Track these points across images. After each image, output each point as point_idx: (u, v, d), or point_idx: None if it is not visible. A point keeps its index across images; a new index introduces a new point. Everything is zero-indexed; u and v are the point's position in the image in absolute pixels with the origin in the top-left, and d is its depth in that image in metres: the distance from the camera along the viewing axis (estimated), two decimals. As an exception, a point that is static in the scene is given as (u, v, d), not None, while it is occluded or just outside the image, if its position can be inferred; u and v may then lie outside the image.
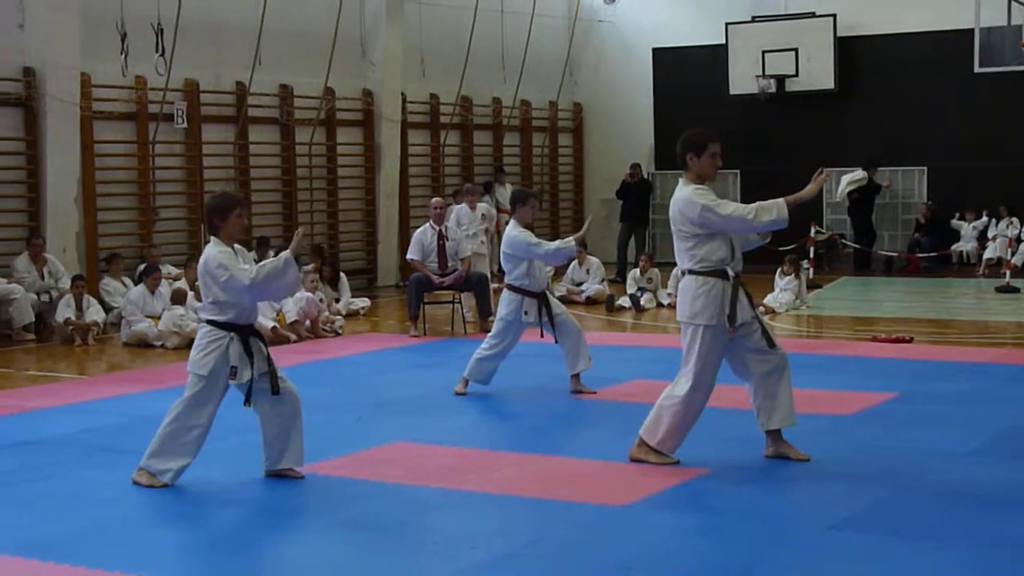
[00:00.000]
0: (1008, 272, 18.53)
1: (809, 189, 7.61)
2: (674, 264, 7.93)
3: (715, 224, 7.55)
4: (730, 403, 9.54)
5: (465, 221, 15.87)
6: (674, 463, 7.77)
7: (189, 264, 15.88)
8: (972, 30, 20.66)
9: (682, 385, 7.71)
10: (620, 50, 24.86)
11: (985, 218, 21.28)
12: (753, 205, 7.53)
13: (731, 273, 7.63)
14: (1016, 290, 17.96)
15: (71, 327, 14.22)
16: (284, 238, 18.32)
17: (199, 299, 14.21)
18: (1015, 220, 21.20)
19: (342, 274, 17.15)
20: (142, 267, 15.14)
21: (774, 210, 7.48)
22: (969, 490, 7.17)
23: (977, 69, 20.86)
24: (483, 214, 16.03)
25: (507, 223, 10.89)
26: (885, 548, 6.12)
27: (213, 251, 7.44)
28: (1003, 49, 20.43)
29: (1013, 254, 20.18)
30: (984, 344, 13.28)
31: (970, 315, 16.16)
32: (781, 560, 6.03)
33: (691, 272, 7.72)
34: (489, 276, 15.98)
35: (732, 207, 7.53)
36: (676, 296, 17.28)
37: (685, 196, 7.64)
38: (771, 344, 7.71)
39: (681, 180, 7.79)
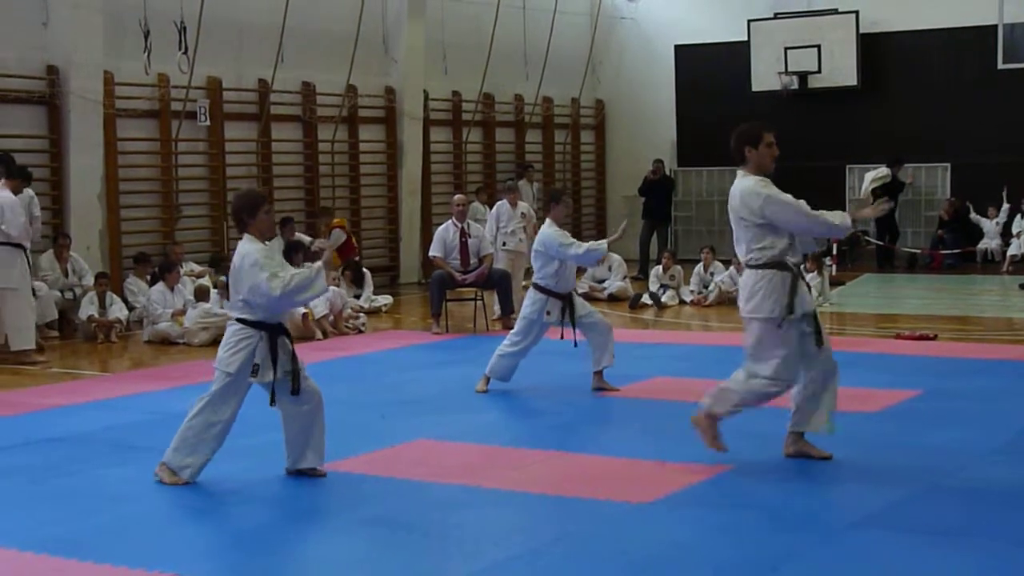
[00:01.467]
0: (1032, 269, 18.46)
1: (867, 212, 7.63)
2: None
3: (777, 215, 7.49)
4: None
5: (505, 218, 15.90)
6: (721, 449, 7.73)
7: (220, 265, 15.93)
8: (996, 26, 20.59)
9: (749, 372, 7.62)
10: (642, 47, 24.83)
11: (1006, 205, 21.08)
12: (817, 212, 7.57)
13: (791, 263, 7.58)
14: (1040, 287, 17.90)
15: (94, 324, 14.28)
16: (306, 234, 18.33)
17: (227, 297, 14.34)
18: (1040, 216, 21.10)
19: (365, 270, 17.21)
20: (159, 265, 15.16)
21: (838, 216, 7.57)
22: (993, 488, 7.14)
23: (1001, 65, 20.76)
24: (523, 212, 16.07)
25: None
26: (908, 546, 6.10)
27: (250, 247, 7.38)
28: (1027, 45, 20.34)
29: (1037, 250, 20.10)
30: (1008, 341, 13.22)
31: (994, 312, 16.10)
32: (804, 557, 6.01)
33: (751, 266, 7.62)
34: (524, 274, 16.16)
35: (798, 202, 7.52)
36: (697, 292, 17.22)
37: (748, 186, 7.57)
38: (819, 342, 7.64)
39: (740, 172, 7.73)
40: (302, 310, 13.98)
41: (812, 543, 6.23)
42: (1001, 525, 6.45)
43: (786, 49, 22.60)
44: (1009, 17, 20.36)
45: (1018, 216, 21.06)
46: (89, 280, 14.89)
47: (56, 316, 14.67)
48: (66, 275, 15.03)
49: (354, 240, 17.97)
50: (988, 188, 21.49)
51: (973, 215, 21.59)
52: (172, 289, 14.46)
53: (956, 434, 8.57)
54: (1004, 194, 20.94)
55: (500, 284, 14.76)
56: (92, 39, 15.70)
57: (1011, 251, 20.63)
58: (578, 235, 23.17)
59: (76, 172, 15.69)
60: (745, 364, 7.67)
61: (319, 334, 14.17)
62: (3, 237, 12.55)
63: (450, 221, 14.85)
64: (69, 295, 14.92)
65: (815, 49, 22.48)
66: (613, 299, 17.55)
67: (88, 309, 14.37)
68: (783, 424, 7.99)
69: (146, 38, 16.08)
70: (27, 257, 12.92)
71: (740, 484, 7.36)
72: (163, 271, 14.70)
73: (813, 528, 6.47)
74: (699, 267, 17.40)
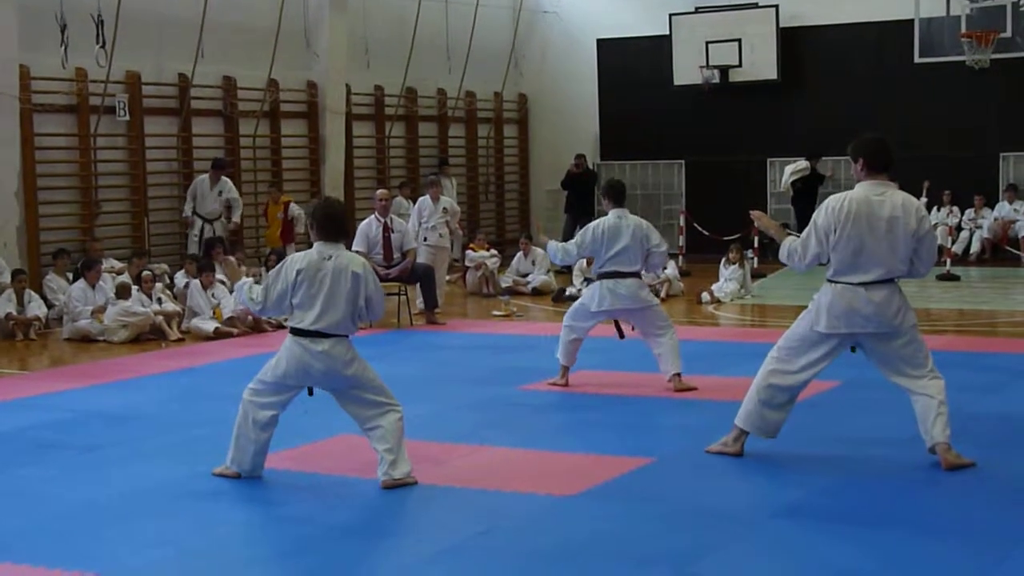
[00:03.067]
0: (948, 260, 18.74)
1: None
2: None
3: (928, 241, 7.97)
4: (673, 393, 9.63)
5: (427, 213, 15.89)
6: None
7: (132, 260, 15.79)
8: (912, 21, 20.87)
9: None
10: (565, 41, 24.87)
11: (924, 199, 21.34)
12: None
13: None
14: (956, 278, 18.19)
15: (12, 322, 14.08)
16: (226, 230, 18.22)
17: (147, 294, 14.21)
18: (955, 209, 21.47)
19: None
20: (81, 262, 14.99)
21: None
22: (912, 477, 7.25)
23: (917, 59, 21.07)
24: (445, 207, 16.07)
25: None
26: (829, 536, 6.19)
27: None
28: (943, 39, 20.65)
29: (953, 242, 20.39)
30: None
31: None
32: (726, 549, 6.07)
33: (897, 279, 7.85)
34: (447, 268, 16.32)
35: None
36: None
37: (917, 202, 7.70)
38: None
39: (883, 181, 7.66)
40: (212, 324, 13.97)
41: (734, 534, 6.29)
42: (920, 513, 6.57)
43: (707, 43, 22.75)
44: (925, 12, 20.65)
45: (934, 209, 21.40)
46: (6, 277, 14.66)
47: (-30, 314, 14.45)
48: (-19, 273, 14.81)
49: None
50: (905, 181, 21.68)
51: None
52: (93, 286, 14.29)
53: (875, 423, 8.70)
54: (925, 188, 21.20)
55: (423, 279, 14.75)
56: (7, 33, 15.43)
57: (928, 243, 20.88)
58: (501, 230, 23.31)
59: (-8, 168, 15.46)
60: (925, 372, 7.75)
61: (235, 331, 14.07)
62: None
63: (373, 216, 14.81)
64: (-15, 293, 14.71)
65: (736, 43, 22.64)
66: (537, 293, 17.58)
67: (5, 307, 14.17)
68: (704, 417, 8.05)
69: (63, 32, 15.85)
70: None
71: (662, 477, 7.41)
72: (85, 268, 14.52)
73: (735, 519, 6.53)
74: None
